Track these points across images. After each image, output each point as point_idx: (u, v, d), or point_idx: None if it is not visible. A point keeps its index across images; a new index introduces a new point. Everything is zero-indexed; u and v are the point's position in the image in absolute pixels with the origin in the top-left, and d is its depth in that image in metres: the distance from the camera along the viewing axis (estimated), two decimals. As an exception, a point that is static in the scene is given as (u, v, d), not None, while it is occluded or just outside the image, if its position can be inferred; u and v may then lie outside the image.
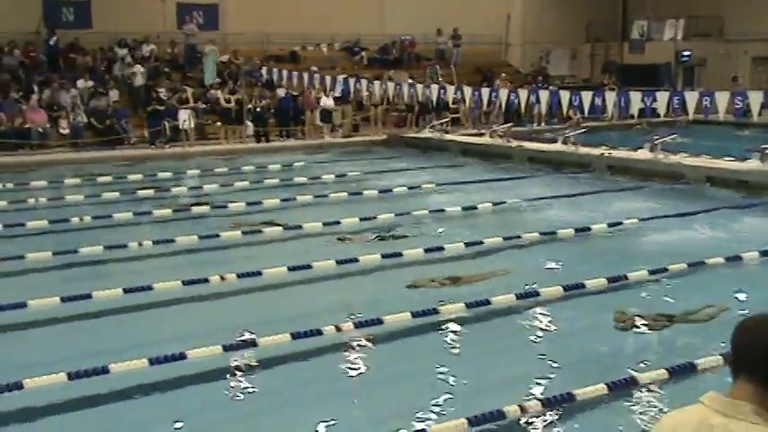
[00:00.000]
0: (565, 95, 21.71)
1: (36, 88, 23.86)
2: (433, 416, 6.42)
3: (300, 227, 13.24)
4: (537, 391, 6.88)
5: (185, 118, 23.42)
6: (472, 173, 19.75)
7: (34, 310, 8.83)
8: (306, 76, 25.91)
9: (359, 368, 7.51)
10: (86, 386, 6.86)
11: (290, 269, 10.46)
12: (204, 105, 25.26)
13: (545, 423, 6.29)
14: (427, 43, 34.27)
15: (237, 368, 7.41)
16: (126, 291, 9.40)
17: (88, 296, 9.22)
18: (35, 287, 9.83)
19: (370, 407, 6.84)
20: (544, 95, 22.73)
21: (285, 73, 26.61)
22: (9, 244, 12.26)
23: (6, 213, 14.71)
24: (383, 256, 11.19)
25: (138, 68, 25.77)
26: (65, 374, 6.88)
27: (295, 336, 7.86)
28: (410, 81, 26.55)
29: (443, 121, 25.44)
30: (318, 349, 7.86)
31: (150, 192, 17.05)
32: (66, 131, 23.00)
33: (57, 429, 6.39)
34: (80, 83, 24.71)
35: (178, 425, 6.39)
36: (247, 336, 8.02)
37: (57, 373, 6.87)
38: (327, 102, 25.34)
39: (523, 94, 23.05)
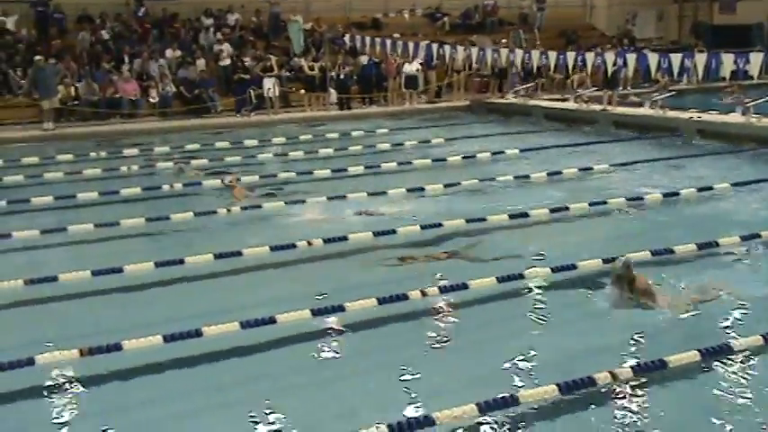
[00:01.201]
0: (653, 58, 21.13)
1: (126, 59, 24.46)
2: (523, 382, 6.43)
3: (385, 193, 13.31)
4: (627, 358, 6.82)
5: (270, 86, 23.73)
6: (556, 138, 19.47)
7: (130, 275, 9.16)
8: (388, 42, 25.85)
9: (443, 334, 7.56)
10: (180, 348, 7.10)
11: (374, 234, 10.55)
12: (288, 73, 25.51)
13: (636, 390, 6.23)
14: (510, 8, 33.76)
15: (325, 332, 7.55)
16: (216, 256, 9.64)
17: (181, 261, 9.51)
18: (130, 252, 10.17)
19: (462, 368, 6.88)
20: (631, 58, 22.15)
21: (368, 40, 26.61)
22: (104, 211, 12.66)
23: (100, 181, 15.19)
24: (467, 221, 11.18)
25: (227, 47, 25.99)
26: (161, 337, 7.14)
27: (381, 301, 7.97)
28: (493, 47, 26.22)
29: (527, 86, 25.09)
30: (405, 315, 7.95)
31: (237, 159, 17.36)
32: (156, 100, 23.57)
33: (154, 389, 6.63)
34: (168, 53, 25.23)
35: (264, 386, 6.58)
36: (335, 302, 8.12)
37: (153, 336, 7.13)
38: (410, 68, 25.26)
39: (610, 57, 22.49)
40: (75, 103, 22.64)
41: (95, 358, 6.89)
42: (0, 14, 25.37)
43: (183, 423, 6.11)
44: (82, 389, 6.56)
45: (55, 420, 6.09)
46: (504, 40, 27.98)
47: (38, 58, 21.97)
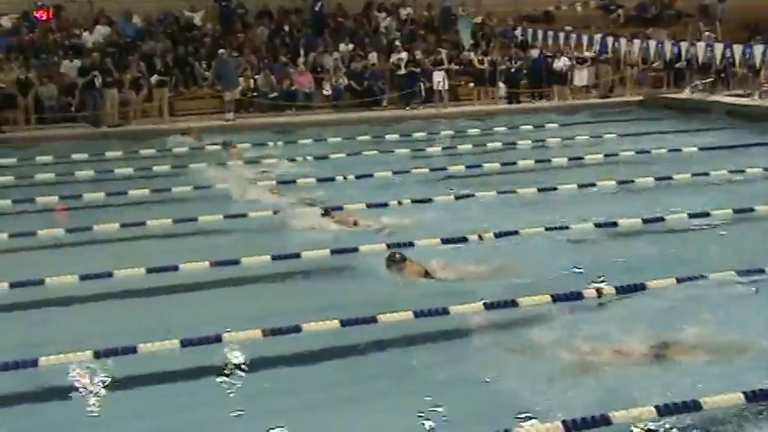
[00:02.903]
0: None
1: (302, 52, 25.28)
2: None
3: (555, 188, 13.15)
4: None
5: (440, 79, 23.92)
6: (739, 136, 18.54)
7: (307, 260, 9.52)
8: (561, 35, 25.43)
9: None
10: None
11: (547, 229, 10.47)
12: (457, 67, 25.59)
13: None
14: (689, -1, 32.39)
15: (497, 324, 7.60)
16: (389, 246, 9.85)
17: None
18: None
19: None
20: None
21: (540, 33, 26.27)
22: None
23: (277, 168, 15.82)
24: (644, 221, 10.89)
25: (399, 41, 26.20)
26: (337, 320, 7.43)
27: (555, 298, 7.94)
28: (672, 40, 25.25)
29: (706, 80, 24.03)
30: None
31: (406, 151, 17.61)
32: (329, 93, 24.27)
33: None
34: (342, 46, 25.86)
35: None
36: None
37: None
38: (558, 64, 24.70)
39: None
40: (254, 94, 23.65)
41: (276, 338, 7.23)
42: (188, 10, 26.79)
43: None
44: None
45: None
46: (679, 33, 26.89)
47: (221, 51, 23.13)
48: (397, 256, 8.82)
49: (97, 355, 6.91)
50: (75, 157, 17.52)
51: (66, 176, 15.51)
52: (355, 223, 11.09)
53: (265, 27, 26.79)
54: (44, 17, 25.00)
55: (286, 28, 26.86)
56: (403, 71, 24.35)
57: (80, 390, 6.63)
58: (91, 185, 14.71)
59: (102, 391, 6.60)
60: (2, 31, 24.46)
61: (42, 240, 10.78)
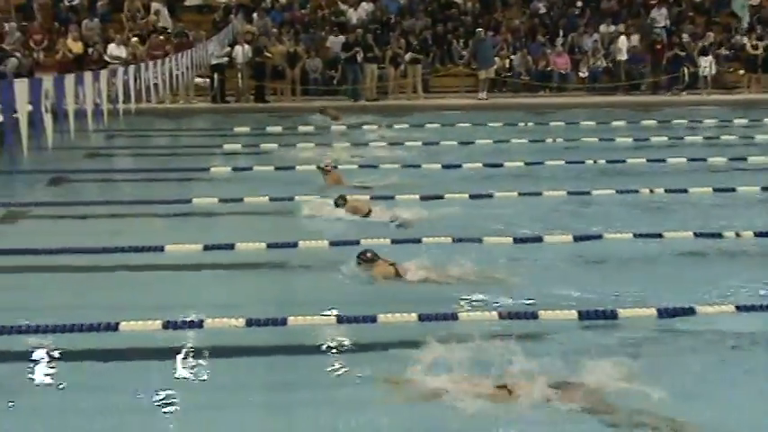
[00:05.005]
0: None
1: (561, 33, 24.81)
2: None
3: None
4: None
5: (706, 65, 22.58)
6: None
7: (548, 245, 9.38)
8: None
9: None
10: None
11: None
12: (728, 52, 23.99)
13: None
14: None
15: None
16: (636, 236, 9.46)
17: (598, 236, 9.49)
18: (550, 223, 10.36)
19: None
20: None
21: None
22: (527, 181, 12.99)
23: (526, 153, 15.65)
24: None
25: (665, 22, 24.98)
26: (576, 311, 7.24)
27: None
28: None
29: None
30: None
31: (664, 139, 16.81)
32: (585, 75, 23.66)
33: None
34: (602, 28, 25.07)
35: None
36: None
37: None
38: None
39: None
40: (509, 74, 23.55)
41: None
42: (450, -12, 27.12)
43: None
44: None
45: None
46: None
47: (479, 30, 23.22)
48: (368, 254, 8.31)
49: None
50: (333, 129, 18.40)
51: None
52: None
53: (525, 7, 26.55)
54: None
55: (542, 7, 26.38)
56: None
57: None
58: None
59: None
60: (278, 7, 26.07)
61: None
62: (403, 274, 8.25)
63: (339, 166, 13.00)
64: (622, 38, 24.03)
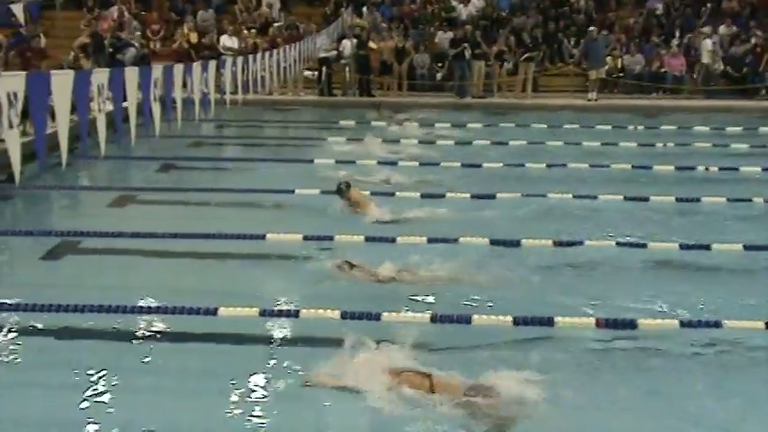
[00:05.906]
0: None
1: (677, 33, 24.06)
2: None
3: None
4: None
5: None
6: None
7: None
8: None
9: None
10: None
11: None
12: None
13: None
14: None
15: None
16: (747, 248, 9.11)
17: (707, 247, 9.16)
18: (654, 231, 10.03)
19: None
20: None
21: None
22: (633, 184, 12.65)
23: (635, 156, 15.20)
24: None
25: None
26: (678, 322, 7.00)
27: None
28: None
29: None
30: None
31: (782, 147, 16.10)
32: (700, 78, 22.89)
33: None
34: (722, 29, 24.18)
35: None
36: None
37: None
38: None
39: None
40: (620, 74, 23.00)
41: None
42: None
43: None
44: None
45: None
46: None
47: (591, 28, 22.74)
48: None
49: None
50: (438, 125, 18.31)
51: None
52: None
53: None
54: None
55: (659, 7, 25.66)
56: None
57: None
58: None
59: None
60: (387, 2, 26.18)
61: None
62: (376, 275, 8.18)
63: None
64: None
